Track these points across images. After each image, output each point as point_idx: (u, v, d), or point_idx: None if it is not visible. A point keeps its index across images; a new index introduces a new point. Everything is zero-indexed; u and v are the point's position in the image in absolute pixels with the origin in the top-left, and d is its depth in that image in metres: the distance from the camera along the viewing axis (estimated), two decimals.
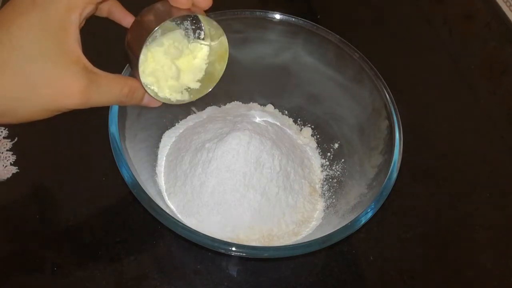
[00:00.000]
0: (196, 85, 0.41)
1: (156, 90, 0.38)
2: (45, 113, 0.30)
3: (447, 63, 0.69)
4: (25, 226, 0.47)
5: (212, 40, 0.40)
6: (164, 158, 0.50)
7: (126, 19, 0.37)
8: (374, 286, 0.48)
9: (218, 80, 0.41)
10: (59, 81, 0.29)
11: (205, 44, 0.40)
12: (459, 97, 0.66)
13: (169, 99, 0.40)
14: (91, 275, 0.44)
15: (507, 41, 0.72)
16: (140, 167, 0.43)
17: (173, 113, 0.53)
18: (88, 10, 0.30)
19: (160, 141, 0.51)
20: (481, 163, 0.58)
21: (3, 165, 0.49)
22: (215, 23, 0.38)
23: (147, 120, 0.49)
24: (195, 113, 0.55)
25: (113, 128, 0.40)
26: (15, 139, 0.51)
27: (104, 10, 0.37)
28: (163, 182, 0.48)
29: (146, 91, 0.36)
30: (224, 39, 0.39)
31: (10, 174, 0.49)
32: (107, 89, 0.31)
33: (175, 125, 0.53)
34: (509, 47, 0.72)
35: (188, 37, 0.40)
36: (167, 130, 0.52)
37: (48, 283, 0.44)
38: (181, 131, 0.53)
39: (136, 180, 0.38)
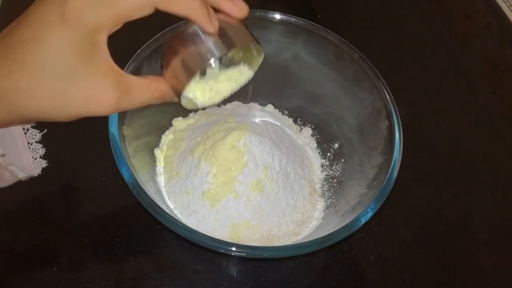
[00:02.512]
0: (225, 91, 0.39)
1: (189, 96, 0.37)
2: (77, 118, 0.30)
3: (447, 63, 0.69)
4: (25, 226, 0.47)
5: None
6: (164, 158, 0.50)
7: None
8: (374, 286, 0.48)
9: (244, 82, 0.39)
10: (93, 93, 0.29)
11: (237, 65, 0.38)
12: (459, 97, 0.66)
13: (196, 104, 0.38)
14: (91, 275, 0.44)
15: (507, 41, 0.72)
16: (140, 167, 0.43)
17: (172, 113, 0.53)
18: (116, 28, 0.30)
19: (160, 141, 0.51)
20: (481, 163, 0.58)
21: (33, 157, 0.49)
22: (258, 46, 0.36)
23: (147, 120, 0.49)
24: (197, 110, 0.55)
25: (113, 128, 0.41)
26: (45, 130, 0.52)
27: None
28: (163, 182, 0.48)
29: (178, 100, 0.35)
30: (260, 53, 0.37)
31: (40, 170, 0.49)
32: (138, 96, 0.32)
33: (174, 124, 0.53)
34: (509, 47, 0.72)
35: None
36: (167, 130, 0.52)
37: (48, 283, 0.44)
38: (180, 131, 0.52)
39: (136, 180, 0.38)
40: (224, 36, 0.32)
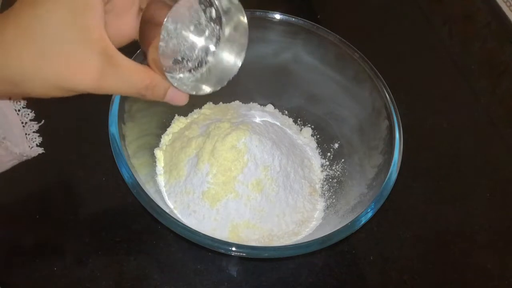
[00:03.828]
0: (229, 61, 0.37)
1: (181, 76, 0.35)
2: (59, 91, 0.29)
3: (447, 63, 0.69)
4: (25, 227, 0.47)
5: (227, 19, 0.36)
6: (164, 158, 0.50)
7: None
8: (374, 286, 0.48)
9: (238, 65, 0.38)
10: (75, 58, 0.27)
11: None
12: (459, 97, 0.66)
13: (195, 87, 0.36)
14: (91, 275, 0.44)
15: (507, 41, 0.72)
16: (140, 167, 0.43)
17: (172, 112, 0.53)
18: None
19: (160, 141, 0.51)
20: (481, 163, 0.58)
21: (29, 146, 0.49)
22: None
23: (147, 120, 0.49)
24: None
25: (113, 128, 0.41)
26: (42, 122, 0.52)
27: None
28: (163, 182, 0.48)
29: (170, 83, 0.33)
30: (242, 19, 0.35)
31: (37, 154, 0.50)
32: (126, 77, 0.29)
33: (174, 124, 0.53)
34: (509, 47, 0.72)
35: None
36: (167, 130, 0.52)
37: (48, 282, 0.44)
38: (180, 130, 0.53)
39: (136, 180, 0.38)
40: None
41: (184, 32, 0.35)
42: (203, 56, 0.36)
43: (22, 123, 0.50)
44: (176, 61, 0.35)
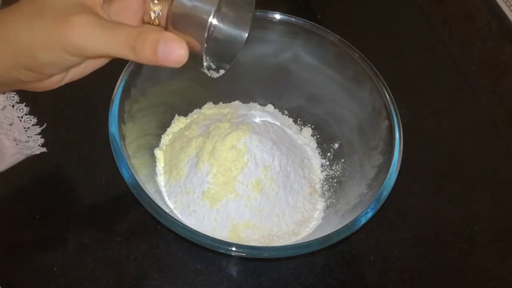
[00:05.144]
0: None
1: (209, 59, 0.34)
2: (50, 50, 0.29)
3: (447, 63, 0.69)
4: (25, 227, 0.47)
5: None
6: (164, 158, 0.50)
7: None
8: (374, 286, 0.48)
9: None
10: (62, 14, 0.29)
11: None
12: (459, 97, 0.66)
13: (218, 67, 0.35)
14: (91, 275, 0.44)
15: (507, 41, 0.72)
16: (140, 167, 0.43)
17: (172, 112, 0.53)
18: None
19: (160, 141, 0.51)
20: (481, 163, 0.58)
21: (28, 136, 0.50)
22: None
23: (147, 120, 0.49)
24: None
25: (113, 128, 0.41)
26: (44, 125, 0.52)
27: None
28: (163, 182, 0.48)
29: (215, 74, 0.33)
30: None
31: (40, 151, 0.50)
32: (111, 28, 0.29)
33: (174, 124, 0.53)
34: (509, 47, 0.72)
35: None
36: (167, 130, 0.52)
37: (48, 282, 0.44)
38: (180, 130, 0.53)
39: (136, 180, 0.38)
40: None
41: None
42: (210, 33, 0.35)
43: (25, 128, 0.50)
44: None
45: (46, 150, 0.50)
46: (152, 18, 0.33)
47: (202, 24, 0.30)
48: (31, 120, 0.51)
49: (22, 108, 0.51)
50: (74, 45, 0.29)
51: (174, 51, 0.29)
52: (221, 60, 0.36)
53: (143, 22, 0.33)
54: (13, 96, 0.52)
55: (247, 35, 0.36)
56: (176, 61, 0.29)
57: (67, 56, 0.29)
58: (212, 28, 0.35)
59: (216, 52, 0.35)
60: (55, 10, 0.29)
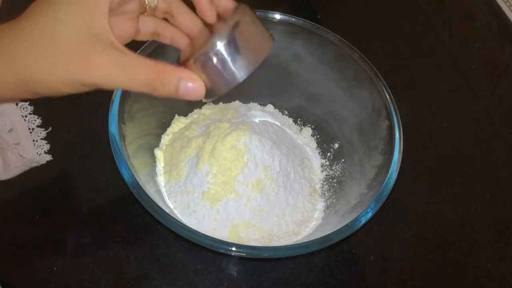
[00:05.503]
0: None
1: None
2: (68, 85, 0.29)
3: (447, 63, 0.69)
4: (25, 226, 0.47)
5: None
6: (164, 158, 0.50)
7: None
8: (374, 286, 0.48)
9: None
10: (79, 51, 0.28)
11: None
12: (459, 97, 0.66)
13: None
14: (91, 275, 0.44)
15: (507, 41, 0.72)
16: (140, 167, 0.43)
17: (172, 112, 0.53)
18: None
19: (160, 141, 0.51)
20: (481, 163, 0.58)
21: (38, 153, 0.50)
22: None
23: (147, 120, 0.49)
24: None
25: (113, 128, 0.41)
26: (49, 128, 0.52)
27: (167, 38, 0.37)
28: (163, 182, 0.48)
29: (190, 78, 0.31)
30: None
31: (45, 161, 0.50)
32: (131, 69, 0.29)
33: (174, 124, 0.53)
34: (509, 47, 0.72)
35: None
36: (167, 130, 0.52)
37: (48, 282, 0.44)
38: (180, 130, 0.53)
39: (136, 180, 0.38)
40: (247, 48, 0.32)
41: None
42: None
43: (29, 129, 0.50)
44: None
45: (52, 158, 0.50)
46: (148, 8, 0.34)
47: (228, 85, 0.32)
48: (35, 120, 0.51)
49: (26, 107, 0.51)
50: (94, 83, 0.29)
51: (195, 91, 0.31)
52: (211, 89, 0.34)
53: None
54: (26, 107, 0.52)
55: (241, 80, 0.32)
56: (195, 98, 0.32)
57: (86, 88, 0.30)
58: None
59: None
60: (68, 45, 0.28)
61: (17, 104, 0.51)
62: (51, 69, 0.28)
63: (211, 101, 0.34)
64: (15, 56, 0.28)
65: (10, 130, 0.48)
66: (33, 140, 0.50)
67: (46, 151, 0.50)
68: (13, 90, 0.30)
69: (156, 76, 0.29)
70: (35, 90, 0.30)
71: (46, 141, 0.51)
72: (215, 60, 0.31)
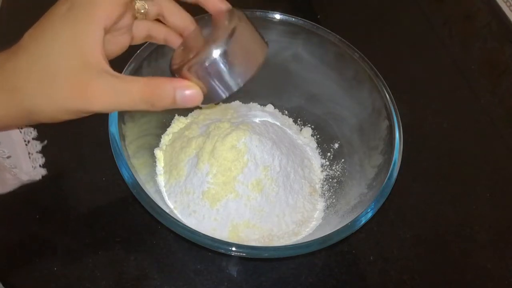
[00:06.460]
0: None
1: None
2: (69, 114, 0.30)
3: (447, 63, 0.69)
4: (25, 227, 0.47)
5: None
6: (164, 158, 0.50)
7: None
8: (374, 286, 0.48)
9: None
10: (77, 82, 0.29)
11: None
12: (459, 97, 0.66)
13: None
14: (91, 275, 0.44)
15: (507, 41, 0.72)
16: (140, 167, 0.43)
17: (172, 112, 0.53)
18: (116, 14, 0.30)
19: (160, 141, 0.52)
20: (481, 163, 0.58)
21: (33, 166, 0.50)
22: None
23: (147, 120, 0.49)
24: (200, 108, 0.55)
25: (113, 128, 0.41)
26: (45, 142, 0.52)
27: (161, 39, 0.37)
28: (163, 182, 0.48)
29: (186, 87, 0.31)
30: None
31: (40, 176, 0.50)
32: (127, 92, 0.29)
33: (174, 124, 0.53)
34: (509, 47, 0.72)
35: None
36: (167, 130, 0.52)
37: (48, 282, 0.44)
38: (180, 130, 0.53)
39: (136, 180, 0.38)
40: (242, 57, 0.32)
41: None
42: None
43: (25, 141, 0.51)
44: None
45: (46, 173, 0.50)
46: (139, 15, 0.35)
47: (224, 93, 0.32)
48: (31, 132, 0.51)
49: (31, 132, 0.52)
50: (94, 110, 0.30)
51: (192, 98, 0.32)
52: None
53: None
54: (31, 132, 0.52)
55: (237, 88, 0.33)
56: (193, 105, 0.32)
57: (85, 115, 0.30)
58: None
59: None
60: (66, 76, 0.28)
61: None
62: (50, 100, 0.29)
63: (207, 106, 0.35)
64: (16, 90, 0.29)
65: (9, 157, 0.49)
66: (29, 153, 0.50)
67: (41, 165, 0.50)
68: (16, 120, 0.31)
69: (152, 92, 0.30)
70: (37, 119, 0.30)
71: (42, 155, 0.51)
72: (211, 69, 0.31)
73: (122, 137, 0.41)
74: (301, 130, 0.56)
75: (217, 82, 0.32)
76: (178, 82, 0.31)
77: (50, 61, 0.29)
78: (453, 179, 0.57)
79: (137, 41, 0.37)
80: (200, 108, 0.56)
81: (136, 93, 0.29)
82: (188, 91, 0.31)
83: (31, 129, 0.52)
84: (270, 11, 0.50)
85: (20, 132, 0.51)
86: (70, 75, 0.29)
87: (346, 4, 0.77)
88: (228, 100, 0.57)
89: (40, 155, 0.51)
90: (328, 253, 0.48)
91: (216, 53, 0.30)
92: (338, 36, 0.49)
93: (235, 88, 0.33)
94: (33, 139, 0.51)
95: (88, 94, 0.29)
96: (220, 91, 0.32)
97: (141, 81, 0.30)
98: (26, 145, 0.51)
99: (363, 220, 0.39)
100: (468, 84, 0.67)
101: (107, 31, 0.30)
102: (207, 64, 0.30)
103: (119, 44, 0.35)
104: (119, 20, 0.32)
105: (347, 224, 0.39)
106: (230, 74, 0.32)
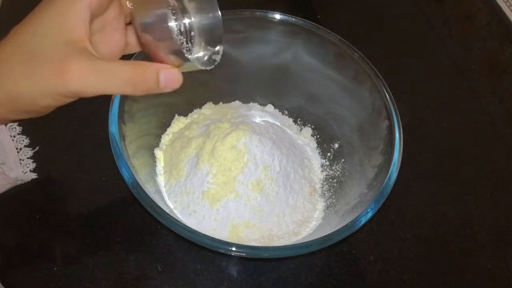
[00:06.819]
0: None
1: (197, 56, 0.34)
2: (49, 98, 0.29)
3: (447, 63, 0.69)
4: (25, 227, 0.47)
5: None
6: (164, 158, 0.50)
7: None
8: (374, 286, 0.48)
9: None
10: (58, 60, 0.28)
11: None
12: (459, 97, 0.66)
13: (210, 58, 0.34)
14: (91, 275, 0.44)
15: (507, 41, 0.72)
16: (140, 167, 0.43)
17: (172, 112, 0.53)
18: None
19: (160, 141, 0.52)
20: (481, 163, 0.58)
21: (23, 171, 0.50)
22: None
23: (147, 120, 0.49)
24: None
25: (113, 128, 0.41)
26: (37, 148, 0.52)
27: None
28: (163, 182, 0.48)
29: (197, 66, 0.32)
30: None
31: (30, 179, 0.50)
32: (108, 72, 0.29)
33: (174, 124, 0.53)
34: (509, 47, 0.72)
35: None
36: (167, 130, 0.52)
37: (48, 282, 0.44)
38: (180, 130, 0.53)
39: (136, 180, 0.38)
40: None
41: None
42: (187, 31, 0.35)
43: (17, 149, 0.51)
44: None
45: (36, 176, 0.50)
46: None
47: (166, 29, 0.31)
48: (23, 140, 0.52)
49: (15, 128, 0.52)
50: (74, 91, 0.29)
51: (174, 79, 0.31)
52: (210, 47, 0.35)
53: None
54: (15, 127, 0.52)
55: (219, 13, 0.33)
56: (175, 86, 0.31)
57: (67, 99, 0.30)
58: (180, 25, 0.34)
59: (200, 42, 0.35)
60: (46, 55, 0.28)
61: (6, 124, 0.52)
62: (30, 81, 0.28)
63: (212, 67, 0.34)
64: (4, 80, 0.28)
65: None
66: (20, 159, 0.50)
67: (32, 170, 0.50)
68: (1, 110, 0.30)
69: (135, 73, 0.29)
70: (20, 107, 0.29)
71: (33, 160, 0.51)
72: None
73: (122, 137, 0.41)
74: (301, 130, 0.56)
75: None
76: (160, 64, 0.31)
77: (33, 42, 0.28)
78: (453, 179, 0.57)
79: (132, 48, 0.36)
80: (200, 108, 0.56)
81: (119, 73, 0.29)
82: (170, 71, 0.31)
83: (24, 137, 0.52)
84: (270, 11, 0.50)
85: (13, 140, 0.52)
86: (50, 53, 0.28)
87: (346, 4, 0.77)
88: (228, 100, 0.57)
89: (31, 161, 0.51)
90: (328, 253, 0.48)
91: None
92: (338, 36, 0.49)
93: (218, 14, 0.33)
94: (25, 146, 0.52)
95: (64, 71, 0.28)
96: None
97: (125, 62, 0.29)
98: (18, 152, 0.51)
99: (363, 220, 0.39)
100: (468, 84, 0.67)
101: (93, 15, 0.30)
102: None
103: (111, 45, 0.34)
104: (106, 4, 0.31)
105: (347, 224, 0.39)
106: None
